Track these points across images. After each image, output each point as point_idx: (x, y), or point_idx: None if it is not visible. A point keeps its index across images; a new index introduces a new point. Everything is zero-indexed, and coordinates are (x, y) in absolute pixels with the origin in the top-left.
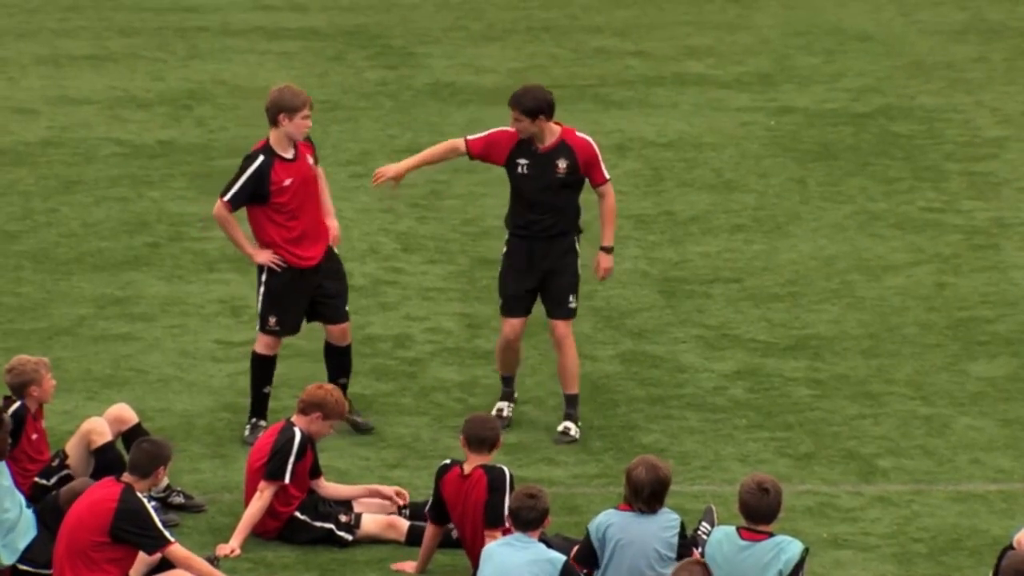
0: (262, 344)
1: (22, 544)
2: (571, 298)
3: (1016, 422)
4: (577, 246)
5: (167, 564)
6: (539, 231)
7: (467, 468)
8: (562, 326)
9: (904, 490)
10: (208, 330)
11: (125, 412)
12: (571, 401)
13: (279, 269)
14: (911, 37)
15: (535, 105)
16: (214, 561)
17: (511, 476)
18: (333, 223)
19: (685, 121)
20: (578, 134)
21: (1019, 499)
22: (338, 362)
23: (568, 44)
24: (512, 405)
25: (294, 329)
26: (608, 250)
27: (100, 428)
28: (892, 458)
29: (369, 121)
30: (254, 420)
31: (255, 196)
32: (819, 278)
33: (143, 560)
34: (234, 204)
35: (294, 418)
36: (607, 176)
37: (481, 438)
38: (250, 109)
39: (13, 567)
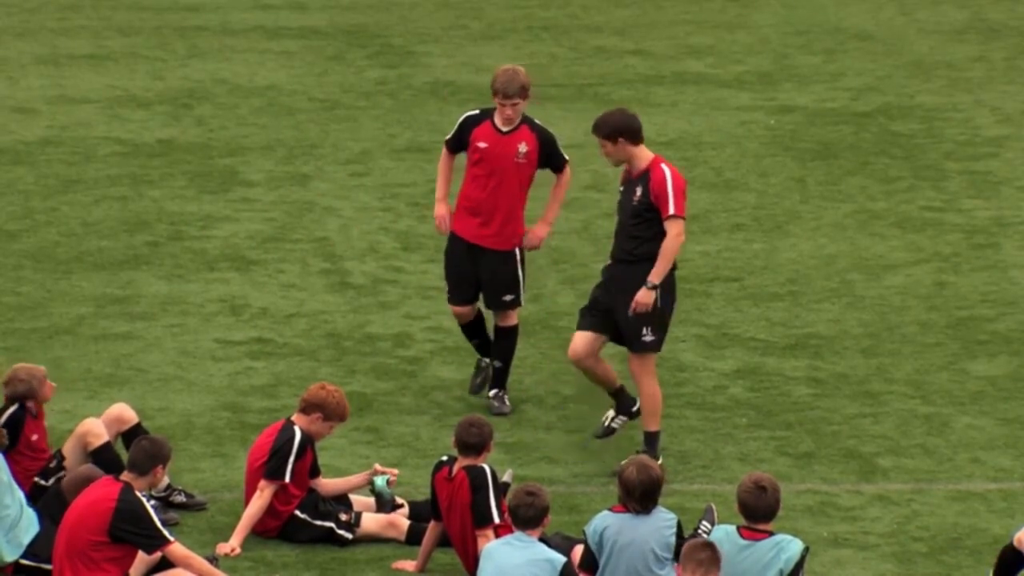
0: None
1: (26, 540)
2: (645, 331)
3: (1016, 421)
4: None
5: (167, 563)
6: (619, 255)
7: (455, 469)
8: (634, 360)
9: (904, 489)
10: (208, 329)
11: (125, 412)
12: (646, 438)
13: (439, 231)
14: (911, 36)
15: (613, 126)
16: (214, 560)
17: (493, 473)
18: (540, 229)
19: (685, 120)
20: (662, 165)
21: (1019, 498)
22: (494, 343)
23: (568, 43)
24: (624, 418)
25: (460, 300)
26: (649, 287)
27: (96, 430)
28: (892, 457)
29: (369, 120)
30: (479, 360)
31: (461, 143)
32: (819, 277)
33: (143, 559)
34: (448, 145)
35: (294, 417)
36: (672, 211)
37: (467, 443)
38: (250, 108)
39: (16, 562)
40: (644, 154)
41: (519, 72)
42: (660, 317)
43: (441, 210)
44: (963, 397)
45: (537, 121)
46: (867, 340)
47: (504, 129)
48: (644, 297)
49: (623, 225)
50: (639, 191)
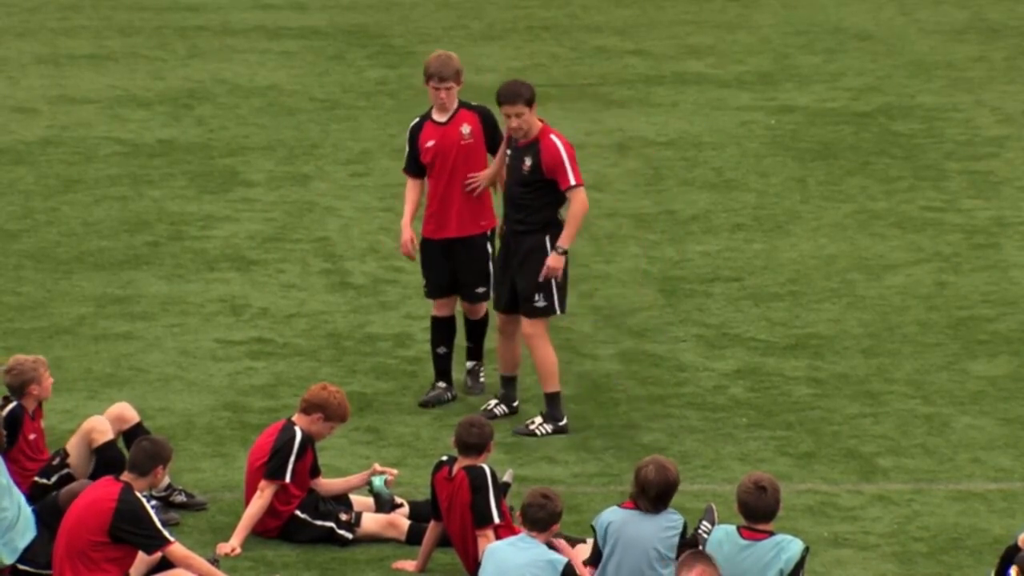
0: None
1: (21, 543)
2: (537, 296)
3: (1016, 421)
4: (548, 245)
5: (167, 563)
6: (511, 226)
7: (455, 469)
8: (527, 324)
9: (904, 489)
10: (208, 329)
11: (126, 411)
12: (547, 400)
13: (407, 252)
14: (911, 36)
15: (531, 92)
16: (215, 560)
17: (493, 473)
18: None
19: (685, 120)
20: (551, 136)
21: (1019, 498)
22: (467, 330)
23: (568, 43)
24: (505, 408)
25: (437, 293)
26: (559, 251)
27: (102, 427)
28: (892, 457)
29: (369, 120)
30: (435, 381)
31: (415, 158)
32: (819, 277)
33: (143, 559)
34: (406, 168)
35: (295, 417)
36: (572, 182)
37: (467, 443)
38: (250, 108)
39: (13, 567)
40: (536, 123)
41: (452, 57)
42: (547, 281)
43: (408, 235)
44: (963, 397)
45: (473, 102)
46: (867, 340)
47: (443, 120)
48: (555, 262)
49: (512, 193)
50: (528, 161)
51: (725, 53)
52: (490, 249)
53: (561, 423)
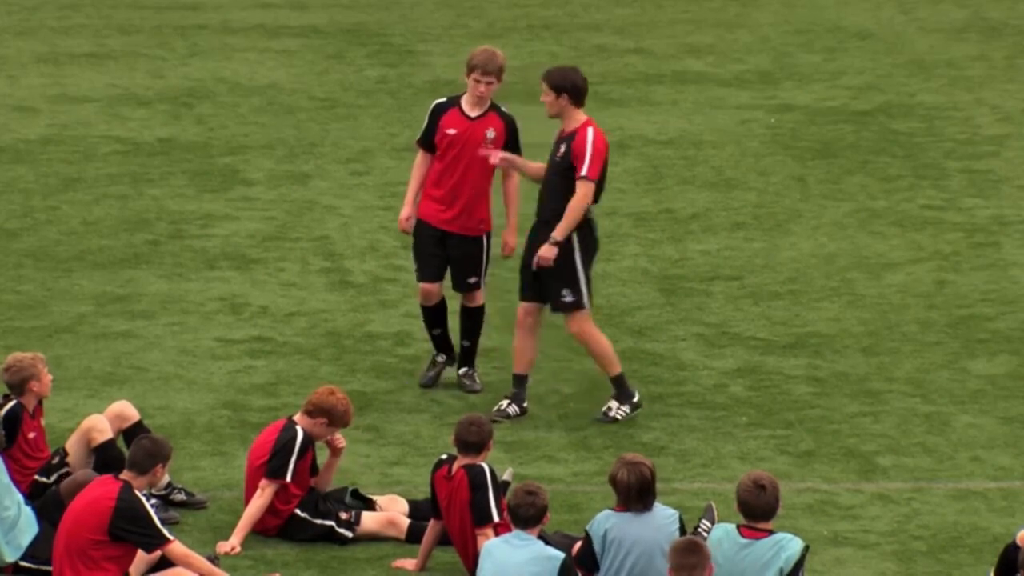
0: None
1: (25, 541)
2: (564, 292)
3: (1016, 420)
4: (576, 241)
5: (167, 562)
6: (544, 215)
7: (454, 468)
8: (567, 323)
9: (904, 488)
10: (208, 328)
11: (127, 409)
12: (614, 383)
13: (404, 229)
14: (911, 35)
15: (558, 82)
16: (214, 559)
17: (493, 472)
18: (510, 238)
19: (685, 119)
20: (589, 128)
21: (1019, 497)
22: (461, 323)
23: (568, 42)
24: (517, 408)
25: (427, 277)
26: (552, 242)
27: (101, 426)
28: (892, 456)
29: (369, 119)
30: (433, 355)
31: (429, 135)
32: (819, 276)
33: (143, 558)
34: (420, 141)
35: (296, 417)
36: (584, 172)
37: (467, 442)
38: (250, 107)
39: (15, 563)
40: (579, 117)
41: (498, 53)
42: (573, 276)
43: (407, 212)
44: (963, 396)
45: (503, 107)
46: (867, 339)
47: (472, 115)
48: (547, 252)
49: (548, 182)
50: (563, 149)
51: (725, 52)
52: (485, 245)
53: (635, 399)
